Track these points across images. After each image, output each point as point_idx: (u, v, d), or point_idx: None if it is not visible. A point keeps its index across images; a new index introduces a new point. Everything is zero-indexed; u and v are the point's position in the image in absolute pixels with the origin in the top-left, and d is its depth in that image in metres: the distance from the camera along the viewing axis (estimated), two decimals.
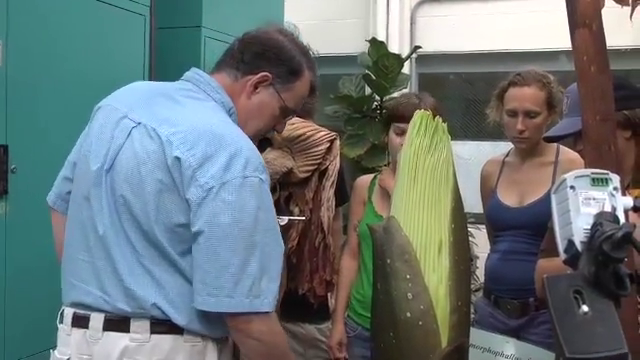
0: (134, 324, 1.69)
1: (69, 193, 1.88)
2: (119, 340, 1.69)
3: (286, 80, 1.86)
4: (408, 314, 1.71)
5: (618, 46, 5.06)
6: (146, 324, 1.69)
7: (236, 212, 1.63)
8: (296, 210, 2.62)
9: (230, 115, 1.81)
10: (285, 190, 2.62)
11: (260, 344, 1.70)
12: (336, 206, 2.76)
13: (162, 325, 1.69)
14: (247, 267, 1.63)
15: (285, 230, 2.57)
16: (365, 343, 2.51)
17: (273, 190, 2.57)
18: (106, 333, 1.71)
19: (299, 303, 2.67)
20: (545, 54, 5.46)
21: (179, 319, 1.69)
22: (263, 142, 2.59)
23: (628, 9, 2.28)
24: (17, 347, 2.79)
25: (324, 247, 2.67)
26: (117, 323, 1.70)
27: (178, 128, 1.68)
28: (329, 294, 2.83)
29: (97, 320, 1.72)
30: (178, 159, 1.64)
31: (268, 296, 1.66)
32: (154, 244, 1.68)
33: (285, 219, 2.51)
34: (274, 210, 1.73)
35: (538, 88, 2.65)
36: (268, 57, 1.84)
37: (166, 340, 1.69)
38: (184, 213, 1.65)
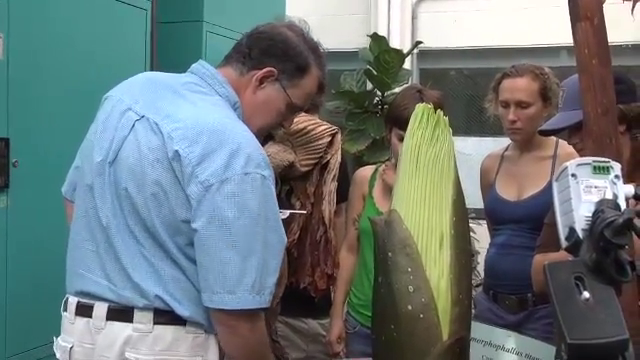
0: (138, 314, 1.70)
1: None
2: (122, 330, 1.70)
3: (292, 76, 1.85)
4: (409, 307, 1.70)
5: (619, 42, 5.06)
6: (150, 314, 1.70)
7: (236, 209, 1.63)
8: (297, 204, 2.62)
9: (235, 110, 1.81)
10: (286, 184, 2.63)
11: (245, 342, 1.71)
12: (338, 202, 2.76)
13: (165, 316, 1.70)
14: (248, 264, 1.64)
15: (286, 224, 2.56)
16: (365, 340, 2.50)
17: (274, 184, 2.58)
18: (109, 322, 1.72)
19: (300, 297, 2.67)
20: (546, 49, 5.46)
21: (181, 310, 1.70)
22: (265, 136, 2.60)
23: (629, 4, 2.27)
24: (19, 340, 2.79)
25: (325, 241, 2.68)
26: (121, 312, 1.71)
27: (180, 124, 1.68)
28: (331, 288, 2.83)
29: (101, 309, 1.73)
30: (178, 154, 1.65)
31: (266, 291, 1.68)
32: (154, 237, 1.69)
33: (286, 213, 2.51)
34: (277, 206, 1.73)
35: (530, 79, 2.66)
36: (274, 52, 1.83)
37: (168, 331, 1.70)
38: (186, 208, 1.66)
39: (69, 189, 1.95)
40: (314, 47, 1.90)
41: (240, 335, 1.70)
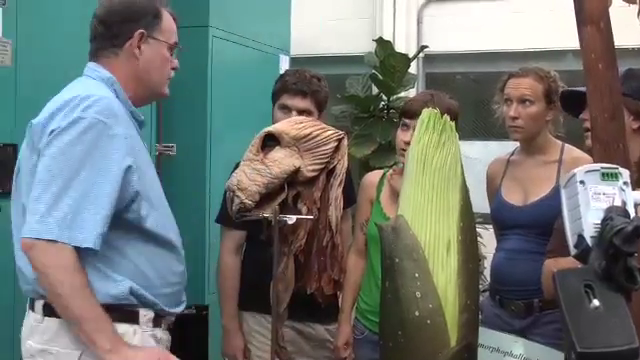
0: (37, 303, 1.87)
1: None
2: (28, 319, 1.90)
3: (155, 25, 1.99)
4: (417, 313, 1.71)
5: (626, 45, 5.04)
6: (40, 304, 1.86)
7: (64, 145, 1.77)
8: (304, 209, 2.61)
9: (112, 85, 1.94)
10: (293, 189, 2.61)
11: (42, 276, 1.78)
12: (344, 207, 2.76)
13: (52, 308, 1.82)
14: (64, 197, 1.74)
15: (293, 229, 2.57)
16: (373, 346, 2.50)
17: (281, 189, 2.58)
18: (28, 312, 1.91)
19: (307, 303, 2.66)
20: (552, 53, 5.44)
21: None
22: (271, 140, 2.59)
23: (635, 7, 2.27)
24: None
25: (332, 246, 2.66)
26: (32, 303, 1.90)
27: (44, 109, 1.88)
28: (337, 293, 2.82)
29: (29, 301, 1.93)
30: (31, 124, 1.84)
31: (84, 230, 1.75)
32: None
33: (293, 218, 2.50)
34: (115, 154, 1.81)
35: (535, 79, 2.68)
36: (130, 17, 1.97)
37: (54, 322, 1.83)
38: None
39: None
40: None
41: (37, 268, 1.78)
